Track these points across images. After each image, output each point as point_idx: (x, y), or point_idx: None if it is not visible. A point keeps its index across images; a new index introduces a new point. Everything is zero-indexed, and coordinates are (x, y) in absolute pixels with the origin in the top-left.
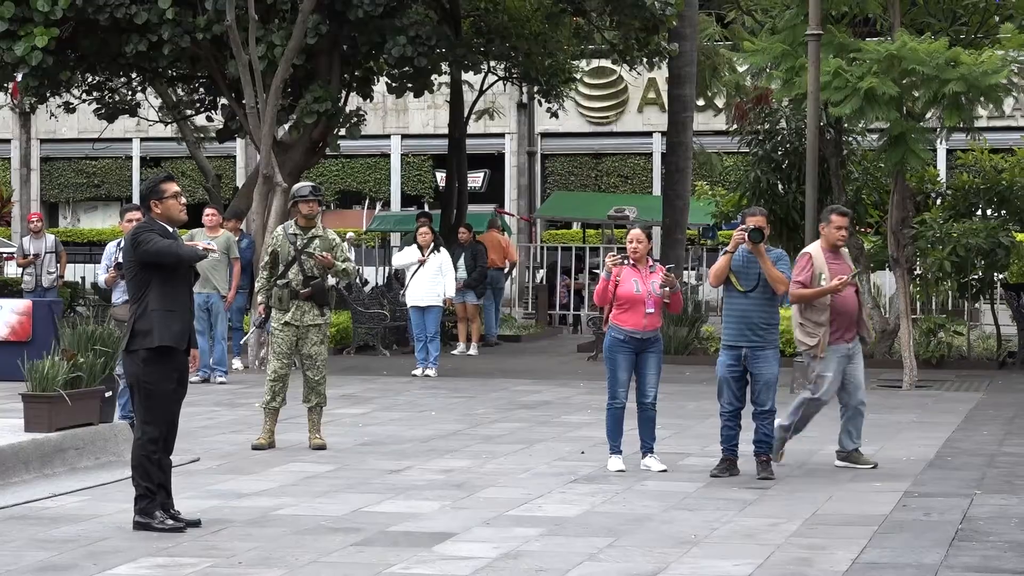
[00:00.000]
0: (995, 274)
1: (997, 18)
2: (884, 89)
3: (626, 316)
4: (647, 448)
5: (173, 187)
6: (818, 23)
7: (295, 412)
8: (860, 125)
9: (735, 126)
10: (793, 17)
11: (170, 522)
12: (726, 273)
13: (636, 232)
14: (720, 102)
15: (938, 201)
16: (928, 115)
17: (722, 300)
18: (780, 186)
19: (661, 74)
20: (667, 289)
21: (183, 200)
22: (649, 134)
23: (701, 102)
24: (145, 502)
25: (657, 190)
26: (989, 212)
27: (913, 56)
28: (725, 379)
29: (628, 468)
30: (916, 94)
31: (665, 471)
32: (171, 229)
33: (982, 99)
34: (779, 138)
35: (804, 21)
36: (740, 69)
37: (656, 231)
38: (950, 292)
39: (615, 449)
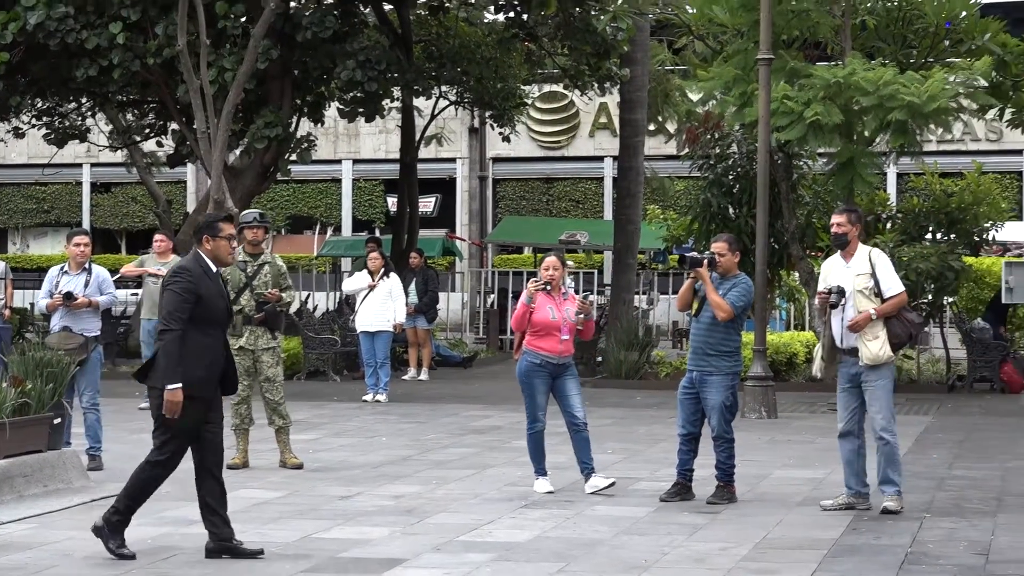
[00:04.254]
0: (945, 298)
1: (947, 42)
2: (828, 119)
3: (541, 342)
4: (588, 469)
5: (230, 229)
6: (769, 48)
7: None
8: (808, 149)
9: (686, 150)
10: (745, 42)
11: (124, 550)
12: (689, 297)
13: (551, 259)
14: (671, 127)
15: (888, 224)
16: (877, 140)
17: (674, 324)
18: (731, 210)
19: (612, 99)
20: (582, 316)
21: (235, 244)
22: (600, 158)
23: (652, 127)
24: (118, 518)
25: (608, 214)
26: (939, 236)
27: (857, 86)
28: (680, 401)
29: (575, 492)
30: (865, 119)
31: (613, 483)
32: (215, 268)
33: (929, 124)
34: (730, 162)
35: (755, 46)
36: (693, 97)
37: (607, 255)
38: None
39: (540, 471)
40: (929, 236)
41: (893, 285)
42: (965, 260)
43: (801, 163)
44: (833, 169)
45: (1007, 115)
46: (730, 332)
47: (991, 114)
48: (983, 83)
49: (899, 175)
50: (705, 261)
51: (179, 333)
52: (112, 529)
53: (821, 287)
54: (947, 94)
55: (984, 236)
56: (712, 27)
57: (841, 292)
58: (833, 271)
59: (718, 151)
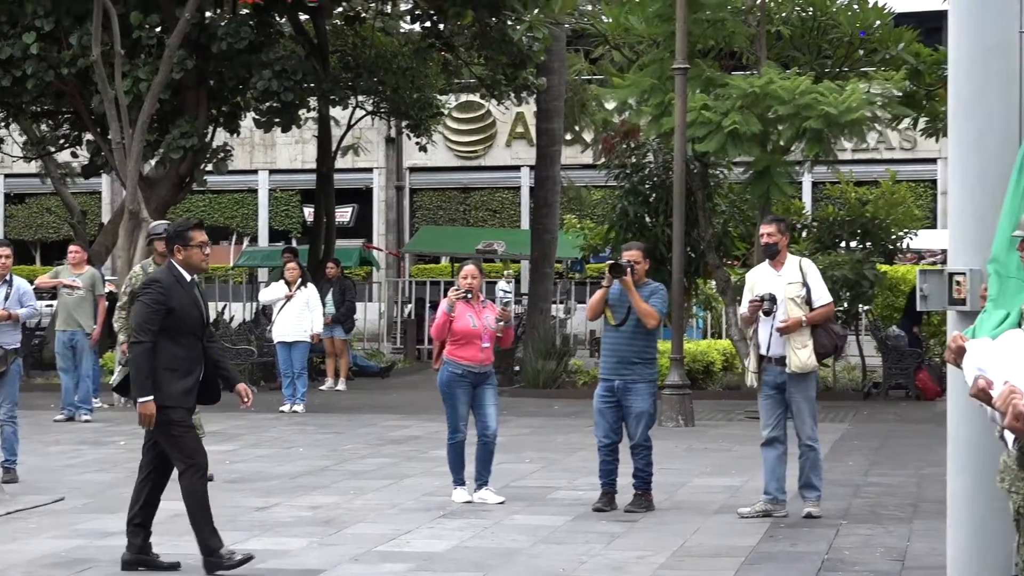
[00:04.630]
0: (860, 306)
1: (861, 52)
2: (747, 128)
3: (462, 351)
4: (483, 481)
5: (201, 236)
6: (685, 57)
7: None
8: (726, 159)
9: (603, 160)
10: (660, 51)
11: (236, 556)
12: (601, 307)
13: (470, 268)
14: (588, 136)
15: (804, 233)
16: (793, 148)
17: (591, 333)
18: (648, 219)
19: (529, 109)
20: (502, 323)
21: (208, 250)
22: (517, 168)
23: (569, 136)
24: (206, 550)
25: (525, 224)
26: (854, 244)
27: (775, 95)
28: (599, 411)
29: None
30: (780, 128)
31: (503, 503)
32: (189, 277)
33: (845, 133)
34: (646, 171)
35: (671, 56)
36: (608, 106)
37: (524, 264)
38: None
39: (459, 481)
40: (844, 244)
41: (823, 295)
42: (880, 268)
43: (717, 172)
44: (749, 178)
45: (921, 124)
46: (651, 339)
47: (905, 123)
48: (898, 93)
49: (814, 184)
50: (607, 271)
51: (149, 345)
52: (213, 566)
53: (748, 296)
54: (864, 105)
55: (898, 244)
56: (628, 37)
57: (773, 299)
58: (762, 280)
59: (634, 160)
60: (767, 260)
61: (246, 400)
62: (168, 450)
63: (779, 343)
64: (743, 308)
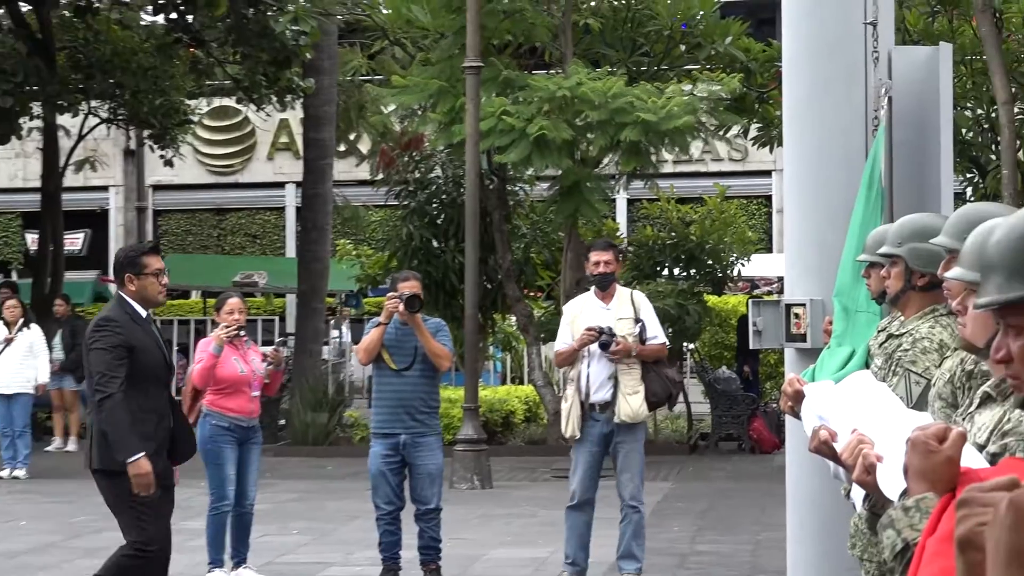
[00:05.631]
0: (685, 344)
1: (683, 47)
2: (556, 134)
3: (229, 401)
4: (240, 559)
5: (157, 262)
6: (478, 54)
7: None
8: (528, 173)
9: (382, 174)
10: (449, 47)
11: None
12: (378, 348)
13: (234, 301)
14: (365, 147)
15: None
16: (605, 161)
17: (370, 380)
18: (436, 244)
19: (295, 115)
20: (271, 367)
21: (166, 280)
22: (281, 185)
23: (342, 147)
24: None
25: (292, 251)
26: (677, 271)
27: (585, 98)
28: (381, 473)
29: None
30: (591, 136)
31: None
32: (144, 313)
33: (665, 143)
34: (434, 188)
35: (462, 51)
36: (388, 109)
37: (290, 299)
38: None
39: (218, 562)
40: (666, 272)
41: (659, 333)
42: (707, 300)
43: (517, 189)
44: (555, 195)
45: (752, 131)
46: (437, 385)
47: (735, 130)
48: (726, 96)
49: (630, 201)
50: (401, 304)
51: (121, 396)
52: None
53: (567, 332)
54: (687, 110)
55: (728, 271)
56: (412, 30)
57: (612, 333)
58: (587, 313)
59: (419, 175)
60: (593, 290)
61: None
62: (123, 523)
63: (607, 387)
64: (560, 343)
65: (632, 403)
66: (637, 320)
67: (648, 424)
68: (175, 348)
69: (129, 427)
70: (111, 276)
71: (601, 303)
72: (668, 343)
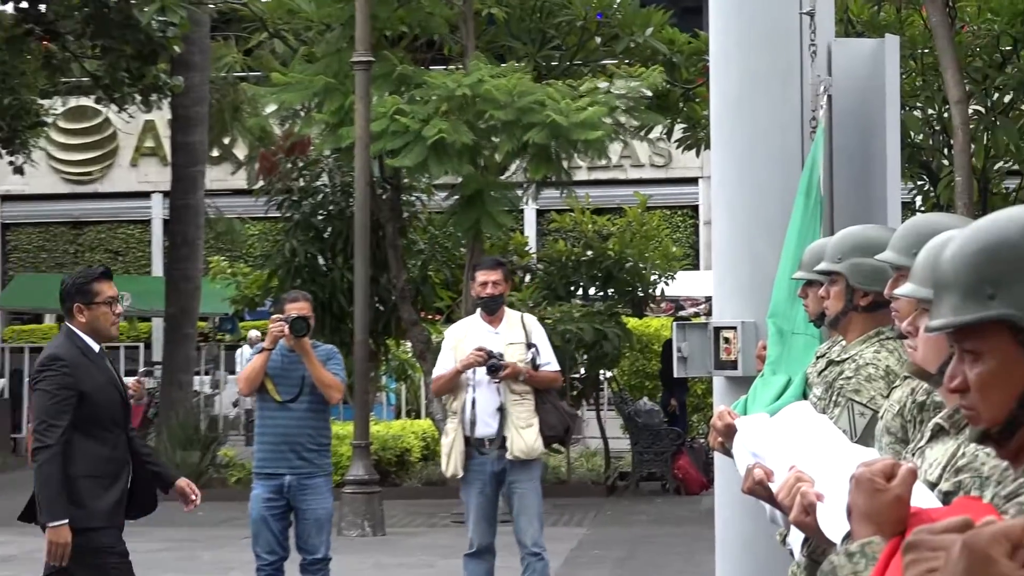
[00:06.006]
0: (602, 372)
1: (599, 39)
2: (455, 137)
3: None
4: None
5: (110, 289)
6: (368, 47)
7: None
8: (425, 180)
9: (261, 183)
10: (337, 39)
11: None
12: (261, 377)
13: None
14: (241, 152)
15: (527, 278)
16: (511, 167)
17: (248, 414)
18: (322, 261)
19: (162, 116)
20: (132, 399)
21: (120, 308)
22: (147, 195)
23: (216, 152)
24: None
25: (158, 269)
26: (593, 291)
27: (489, 96)
28: (262, 519)
29: None
30: (496, 140)
31: None
32: (96, 348)
33: (579, 147)
34: (320, 198)
35: (351, 44)
36: (267, 110)
37: (157, 323)
38: None
39: None
40: (580, 292)
41: (553, 360)
42: (627, 323)
43: (413, 198)
44: (455, 206)
45: (677, 132)
46: (326, 419)
47: (657, 131)
48: (648, 93)
49: (540, 212)
50: (286, 327)
51: (58, 450)
52: None
53: (448, 357)
54: (603, 110)
55: (650, 291)
56: (294, 21)
57: (502, 357)
58: (472, 337)
59: (304, 184)
60: (480, 313)
61: (193, 499)
62: None
63: (495, 420)
64: (441, 367)
65: (526, 437)
66: (529, 345)
67: (561, 463)
68: (25, 379)
69: (59, 487)
70: None
71: (489, 327)
72: (561, 371)
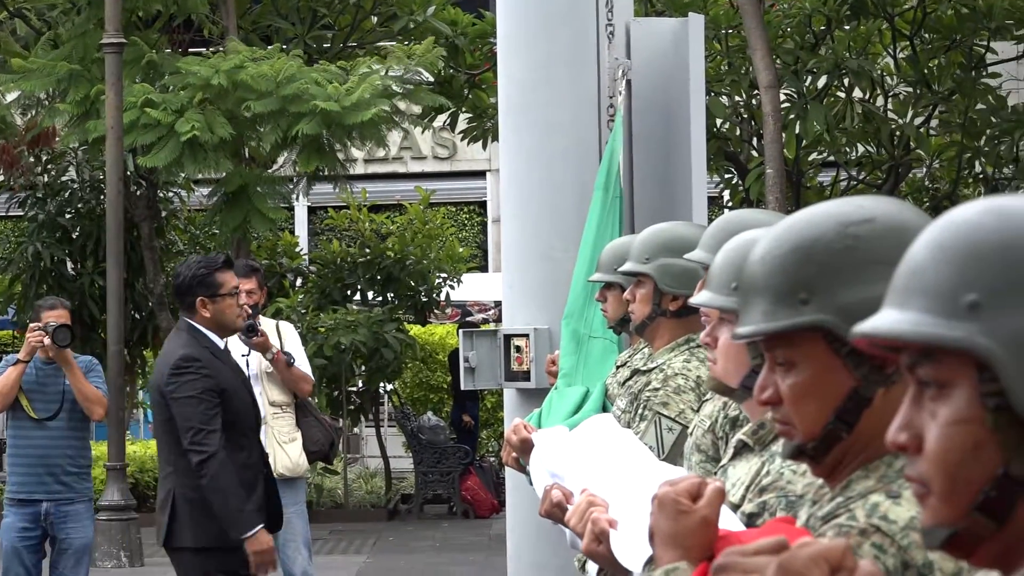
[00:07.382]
0: (382, 384)
1: (375, 19)
2: (210, 137)
3: None
4: None
5: (233, 279)
6: (119, 28)
7: None
8: (183, 176)
9: (1, 178)
10: (84, 21)
11: None
12: (15, 393)
13: None
14: None
15: (299, 282)
16: (280, 160)
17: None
18: (71, 265)
19: None
20: None
21: (244, 300)
22: None
23: None
24: None
25: None
26: (371, 295)
27: (249, 85)
28: (14, 551)
29: None
30: (262, 129)
31: None
32: (222, 345)
33: (353, 137)
34: (68, 195)
35: (100, 26)
36: (7, 99)
37: None
38: None
39: None
40: (358, 296)
41: (308, 369)
42: (409, 330)
43: (171, 195)
44: (219, 203)
45: (462, 122)
46: (87, 439)
47: (440, 120)
48: (428, 77)
49: (312, 210)
50: (47, 337)
51: (224, 455)
52: None
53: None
54: (379, 97)
55: (434, 295)
56: (36, 0)
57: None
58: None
59: (48, 180)
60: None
61: None
62: None
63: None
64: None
65: (291, 453)
66: (284, 353)
67: (337, 484)
68: None
69: (242, 493)
70: None
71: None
72: (313, 382)
